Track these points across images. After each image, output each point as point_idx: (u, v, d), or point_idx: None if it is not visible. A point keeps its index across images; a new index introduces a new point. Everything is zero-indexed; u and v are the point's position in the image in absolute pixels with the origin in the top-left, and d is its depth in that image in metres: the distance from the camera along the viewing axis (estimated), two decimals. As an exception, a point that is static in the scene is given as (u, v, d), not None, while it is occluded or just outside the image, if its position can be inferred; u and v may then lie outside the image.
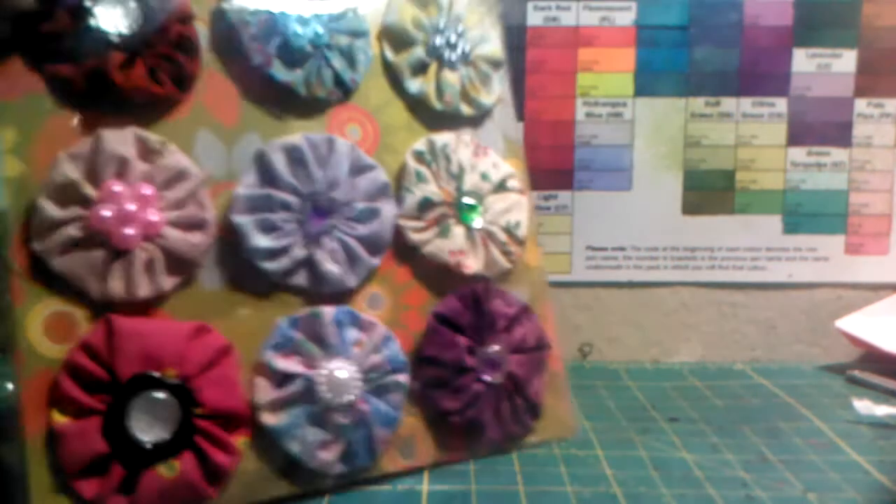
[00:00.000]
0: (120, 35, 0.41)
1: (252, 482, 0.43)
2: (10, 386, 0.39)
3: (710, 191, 0.74)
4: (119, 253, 0.40)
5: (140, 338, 0.40)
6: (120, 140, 0.41)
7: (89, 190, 0.40)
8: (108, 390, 0.39)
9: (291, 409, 0.43)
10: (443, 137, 0.51)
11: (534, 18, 0.72)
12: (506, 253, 0.53)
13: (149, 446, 0.39)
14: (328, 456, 0.44)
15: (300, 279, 0.45)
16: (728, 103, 0.73)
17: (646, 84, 0.73)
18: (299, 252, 0.45)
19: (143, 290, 0.41)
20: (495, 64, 0.55)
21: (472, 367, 0.49)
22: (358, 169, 0.47)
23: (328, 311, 0.45)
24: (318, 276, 0.46)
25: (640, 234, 0.74)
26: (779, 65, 0.73)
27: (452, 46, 0.52)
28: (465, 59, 0.53)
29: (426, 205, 0.50)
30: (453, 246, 0.51)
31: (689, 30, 0.73)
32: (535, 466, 0.49)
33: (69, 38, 0.40)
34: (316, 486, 0.45)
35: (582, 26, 0.73)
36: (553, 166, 0.73)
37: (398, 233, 0.49)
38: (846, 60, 0.73)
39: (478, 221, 0.52)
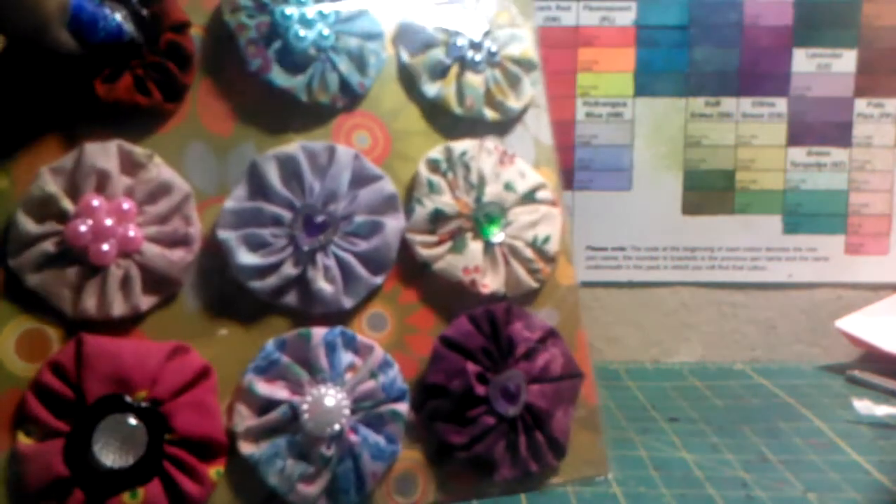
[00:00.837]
0: (108, 46, 0.40)
1: None
2: None
3: (710, 191, 0.74)
4: (95, 269, 0.39)
5: (111, 358, 0.38)
6: (102, 153, 0.40)
7: (67, 204, 0.39)
8: (74, 413, 0.38)
9: (272, 439, 0.41)
10: (462, 144, 0.47)
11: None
12: (531, 271, 0.48)
13: (110, 471, 0.37)
14: (310, 490, 0.41)
15: (291, 299, 0.43)
16: (728, 103, 0.73)
17: (646, 84, 0.73)
18: (290, 270, 0.42)
19: (118, 308, 0.39)
20: (527, 65, 0.51)
21: (482, 396, 0.44)
22: (361, 180, 0.44)
23: (318, 332, 0.42)
24: (310, 295, 0.43)
25: (640, 234, 0.74)
26: (779, 65, 0.73)
27: (477, 46, 0.48)
28: (492, 59, 0.49)
29: (438, 217, 0.46)
30: (468, 263, 0.46)
31: (689, 30, 0.73)
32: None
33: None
34: None
35: (582, 26, 0.73)
36: (553, 166, 0.73)
37: (407, 248, 0.45)
38: (846, 60, 0.73)
39: (498, 235, 0.47)
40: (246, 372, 0.41)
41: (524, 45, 0.51)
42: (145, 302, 0.40)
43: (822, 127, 0.74)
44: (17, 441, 0.37)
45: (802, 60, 0.73)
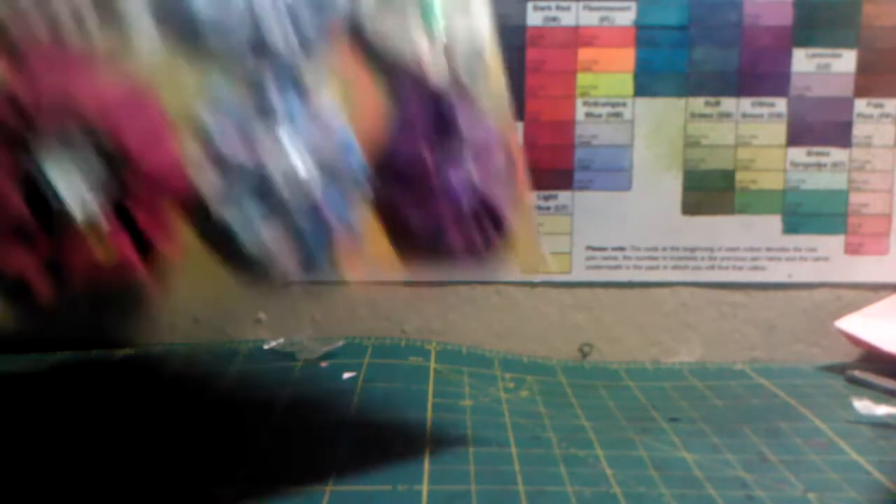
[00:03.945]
0: None
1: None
2: None
3: (710, 191, 0.74)
4: None
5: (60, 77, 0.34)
6: None
7: None
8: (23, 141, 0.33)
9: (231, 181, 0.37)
10: None
11: (533, 18, 0.72)
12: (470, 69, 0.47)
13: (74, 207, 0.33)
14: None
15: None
16: (728, 103, 0.73)
17: (646, 84, 0.73)
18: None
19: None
20: None
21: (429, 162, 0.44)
22: None
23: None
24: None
25: (640, 234, 0.74)
26: (779, 65, 0.73)
27: None
28: None
29: None
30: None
31: (689, 30, 0.73)
32: (535, 466, 0.49)
33: None
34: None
35: (582, 26, 0.73)
36: (553, 166, 0.73)
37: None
38: (846, 60, 0.73)
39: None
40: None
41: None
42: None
43: (822, 127, 0.74)
44: None
45: (802, 60, 0.73)
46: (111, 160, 0.35)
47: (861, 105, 0.74)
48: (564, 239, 0.74)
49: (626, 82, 0.73)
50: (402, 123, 0.44)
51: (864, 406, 0.58)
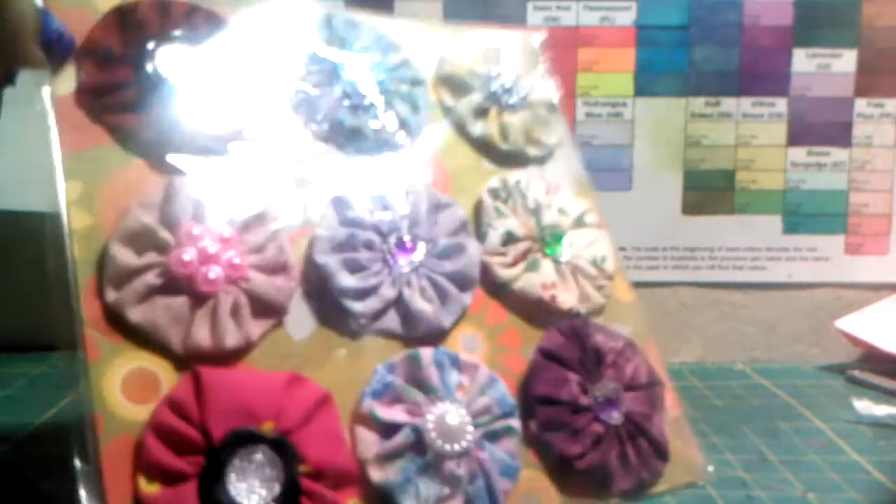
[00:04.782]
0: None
1: None
2: (76, 462, 0.35)
3: (710, 191, 0.74)
4: (202, 299, 0.37)
5: (232, 391, 0.36)
6: (193, 185, 0.39)
7: (166, 234, 0.37)
8: (200, 451, 0.35)
9: (400, 462, 0.39)
10: (515, 174, 0.50)
11: (534, 18, 0.72)
12: (598, 287, 0.50)
13: None
14: None
15: (391, 321, 0.43)
16: (728, 103, 0.73)
17: (646, 84, 0.73)
18: (388, 291, 0.42)
19: (231, 338, 0.37)
20: (551, 109, 0.55)
21: (587, 406, 0.44)
22: (436, 206, 0.46)
23: (426, 353, 0.42)
24: (410, 316, 0.43)
25: (640, 234, 0.74)
26: (779, 65, 0.73)
27: (509, 91, 0.52)
28: (523, 102, 0.53)
29: (510, 239, 0.48)
30: (545, 280, 0.48)
31: (689, 30, 0.73)
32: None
33: (131, 87, 0.39)
34: None
35: (582, 26, 0.73)
36: (553, 166, 0.73)
37: (485, 271, 0.46)
38: (846, 60, 0.73)
39: (565, 253, 0.49)
40: (363, 397, 0.40)
41: (545, 91, 0.55)
42: (256, 330, 0.38)
43: (822, 127, 0.74)
44: (138, 489, 0.34)
45: (802, 60, 0.73)
46: (285, 457, 0.36)
47: (861, 105, 0.74)
48: (564, 239, 0.74)
49: (626, 82, 0.73)
50: (546, 356, 0.46)
51: (864, 406, 0.58)
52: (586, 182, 0.55)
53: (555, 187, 0.52)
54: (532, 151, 0.52)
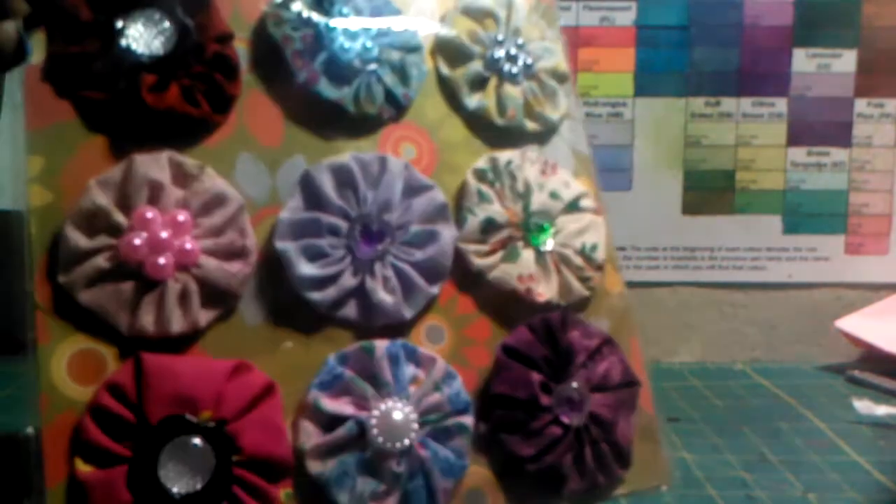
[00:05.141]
0: (152, 56, 0.38)
1: None
2: (30, 429, 0.36)
3: (710, 191, 0.74)
4: (151, 284, 0.37)
5: (173, 377, 0.36)
6: (154, 164, 0.38)
7: (120, 217, 0.37)
8: (136, 436, 0.35)
9: (341, 456, 0.39)
10: (507, 154, 0.47)
11: (534, 18, 0.72)
12: (582, 279, 0.47)
13: (178, 498, 0.35)
14: None
15: (350, 311, 0.41)
16: (728, 103, 0.73)
17: (646, 84, 0.73)
18: (349, 281, 0.41)
19: (177, 324, 0.37)
20: (560, 77, 0.51)
21: (547, 406, 0.43)
22: (413, 189, 0.43)
23: (381, 346, 0.41)
24: (370, 307, 0.41)
25: (640, 234, 0.74)
26: (779, 65, 0.73)
27: (513, 59, 0.48)
28: (528, 71, 0.49)
29: (490, 226, 0.45)
30: (522, 271, 0.45)
31: (689, 30, 0.73)
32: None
33: (99, 60, 0.38)
34: None
35: (582, 26, 0.73)
36: (553, 166, 0.73)
37: (459, 258, 0.44)
38: (846, 60, 0.73)
39: (549, 243, 0.46)
40: (310, 388, 0.40)
41: (556, 58, 0.51)
42: (204, 317, 0.38)
43: (822, 127, 0.74)
44: (75, 468, 0.35)
45: (802, 60, 0.73)
46: (219, 445, 0.36)
47: (861, 105, 0.74)
48: (564, 239, 0.74)
49: (626, 82, 0.73)
50: (509, 354, 0.44)
51: (864, 406, 0.58)
52: (589, 160, 0.52)
53: (552, 167, 0.48)
54: (531, 127, 0.49)
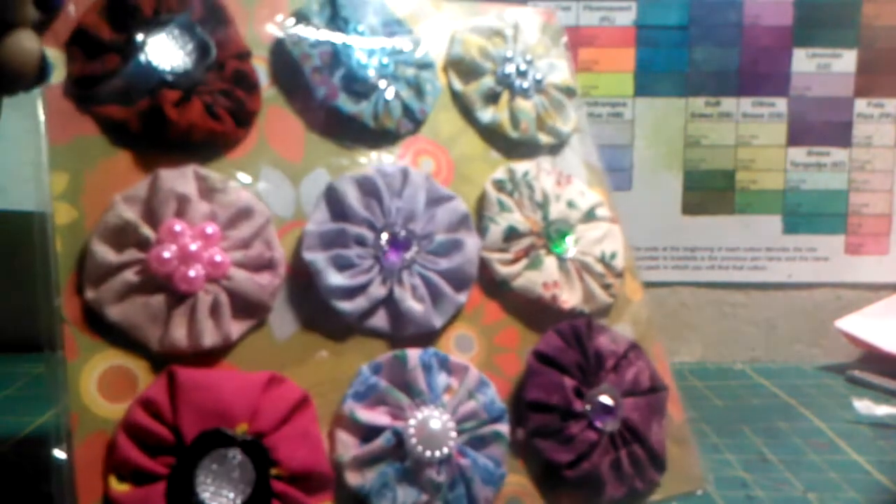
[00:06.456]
0: (174, 72, 0.38)
1: None
2: (58, 453, 0.34)
3: (710, 191, 0.74)
4: (181, 298, 0.36)
5: (207, 391, 0.35)
6: (180, 178, 0.38)
7: (147, 231, 0.36)
8: (172, 452, 0.34)
9: (379, 467, 0.38)
10: (523, 165, 0.48)
11: (534, 18, 0.72)
12: (604, 286, 0.48)
13: None
14: None
15: (379, 320, 0.41)
16: (728, 103, 0.73)
17: (646, 84, 0.73)
18: (378, 290, 0.41)
19: (209, 337, 0.37)
20: (568, 92, 0.52)
21: (581, 412, 0.43)
22: (435, 200, 0.44)
23: (413, 354, 0.40)
24: (399, 315, 0.42)
25: (640, 234, 0.74)
26: (779, 65, 0.73)
27: (523, 74, 0.50)
28: (538, 86, 0.50)
29: (512, 234, 0.46)
30: (547, 278, 0.46)
31: (689, 30, 0.73)
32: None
33: (120, 77, 0.38)
34: None
35: (582, 26, 0.73)
36: (553, 166, 0.73)
37: (484, 267, 0.45)
38: (846, 60, 0.73)
39: (570, 250, 0.47)
40: (345, 399, 0.39)
41: (563, 74, 0.52)
42: (236, 330, 0.38)
43: (822, 127, 0.74)
44: (109, 488, 0.34)
45: (802, 60, 0.73)
46: (257, 459, 0.35)
47: (861, 105, 0.74)
48: (564, 239, 0.74)
49: (626, 82, 0.73)
50: (541, 360, 0.44)
51: (864, 406, 0.58)
52: (601, 172, 0.53)
53: (566, 178, 0.49)
54: (544, 140, 0.50)
